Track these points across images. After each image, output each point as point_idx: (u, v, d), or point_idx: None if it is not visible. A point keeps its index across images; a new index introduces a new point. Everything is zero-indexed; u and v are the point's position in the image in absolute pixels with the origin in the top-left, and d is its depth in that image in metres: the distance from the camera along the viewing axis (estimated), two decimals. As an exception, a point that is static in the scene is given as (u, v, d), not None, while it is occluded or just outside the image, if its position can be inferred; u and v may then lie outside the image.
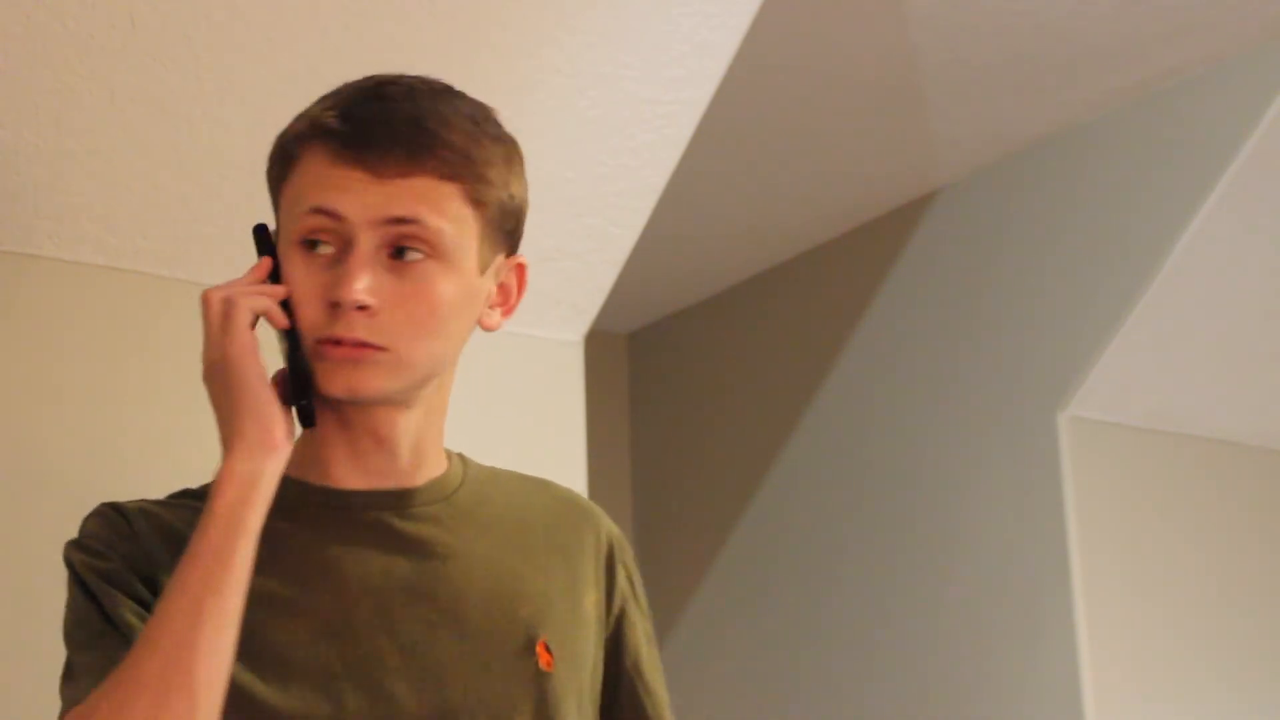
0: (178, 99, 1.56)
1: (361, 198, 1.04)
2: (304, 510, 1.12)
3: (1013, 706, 2.55)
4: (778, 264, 3.24)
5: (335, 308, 1.04)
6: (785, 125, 2.63)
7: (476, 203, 1.08)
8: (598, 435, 2.04)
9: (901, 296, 2.93)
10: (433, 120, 1.06)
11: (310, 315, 1.06)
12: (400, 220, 1.05)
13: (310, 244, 1.06)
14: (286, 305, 1.07)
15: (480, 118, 1.10)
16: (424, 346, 1.07)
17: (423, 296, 1.06)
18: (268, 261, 1.09)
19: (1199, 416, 2.74)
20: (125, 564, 1.06)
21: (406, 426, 1.13)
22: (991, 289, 2.74)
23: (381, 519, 1.12)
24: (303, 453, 1.11)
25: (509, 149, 1.12)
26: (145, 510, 1.10)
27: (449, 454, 1.20)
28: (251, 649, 1.05)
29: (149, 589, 1.05)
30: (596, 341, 2.07)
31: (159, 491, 1.15)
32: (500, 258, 1.14)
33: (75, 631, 1.06)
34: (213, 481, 1.03)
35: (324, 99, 1.10)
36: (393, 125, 1.05)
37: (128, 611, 1.04)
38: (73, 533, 1.11)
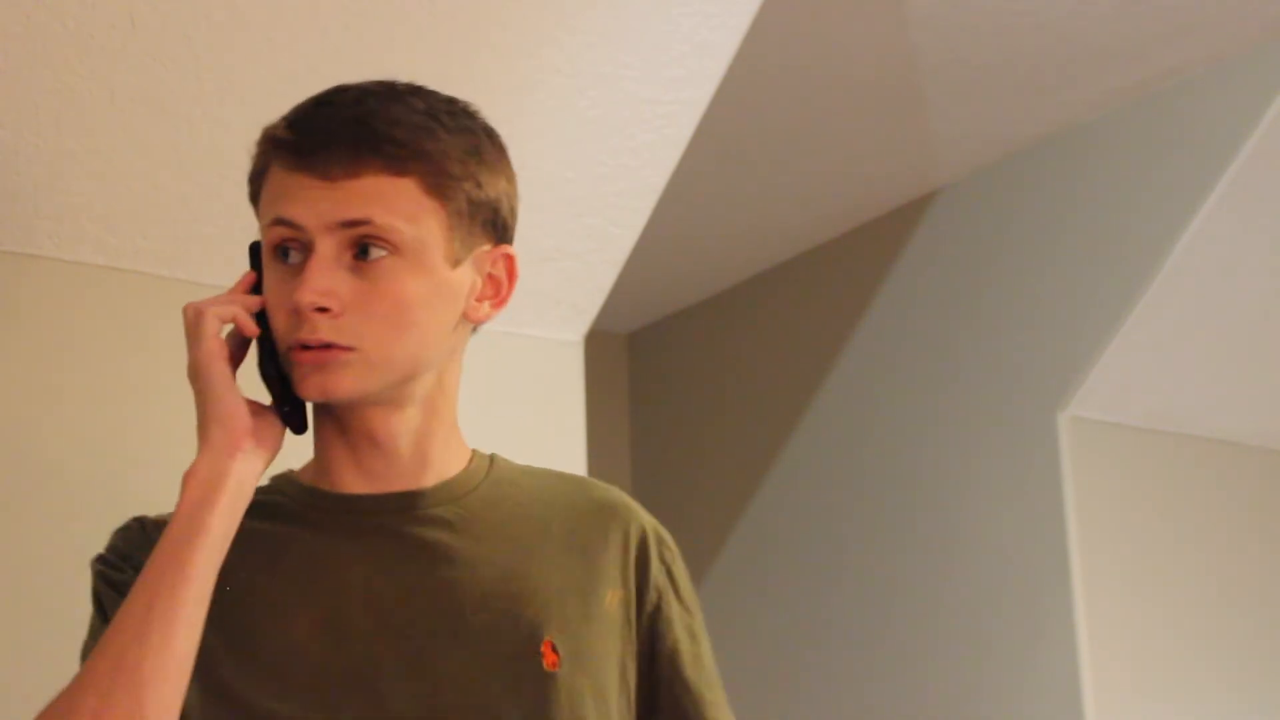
0: (178, 99, 1.56)
1: (314, 204, 1.06)
2: (311, 516, 1.13)
3: (1013, 706, 2.55)
4: (778, 264, 3.24)
5: (299, 314, 1.06)
6: (785, 125, 2.63)
7: (437, 196, 1.08)
8: (598, 435, 2.04)
9: (901, 296, 2.93)
10: (378, 119, 1.07)
11: (280, 323, 1.09)
12: (353, 223, 1.06)
13: (283, 254, 1.09)
14: (264, 317, 1.10)
15: (440, 112, 1.11)
16: (394, 343, 1.08)
17: (385, 293, 1.07)
18: (251, 275, 1.13)
19: (1199, 416, 2.74)
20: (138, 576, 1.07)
21: (402, 427, 1.13)
22: (991, 289, 2.74)
23: (386, 523, 1.13)
24: (316, 461, 1.15)
25: (475, 140, 1.12)
26: (165, 521, 1.11)
27: (476, 454, 1.20)
28: (249, 653, 1.06)
29: None
30: (596, 341, 2.07)
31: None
32: (484, 249, 1.13)
33: (88, 640, 1.09)
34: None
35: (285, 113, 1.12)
36: (337, 128, 1.07)
37: None
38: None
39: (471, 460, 1.19)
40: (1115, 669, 2.49)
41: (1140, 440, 2.68)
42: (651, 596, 1.17)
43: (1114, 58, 2.40)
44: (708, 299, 3.44)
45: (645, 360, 3.64)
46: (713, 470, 3.37)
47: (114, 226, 1.62)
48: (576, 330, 1.96)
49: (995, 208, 2.76)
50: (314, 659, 1.07)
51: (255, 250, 1.14)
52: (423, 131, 1.08)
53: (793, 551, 3.07)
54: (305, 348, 1.06)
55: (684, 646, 1.18)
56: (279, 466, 1.17)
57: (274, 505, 1.14)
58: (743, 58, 1.85)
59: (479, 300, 1.14)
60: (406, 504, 1.13)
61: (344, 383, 1.07)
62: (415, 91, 1.12)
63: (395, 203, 1.07)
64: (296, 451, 1.16)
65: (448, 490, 1.15)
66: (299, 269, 1.07)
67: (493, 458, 1.21)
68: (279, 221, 1.08)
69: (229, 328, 1.11)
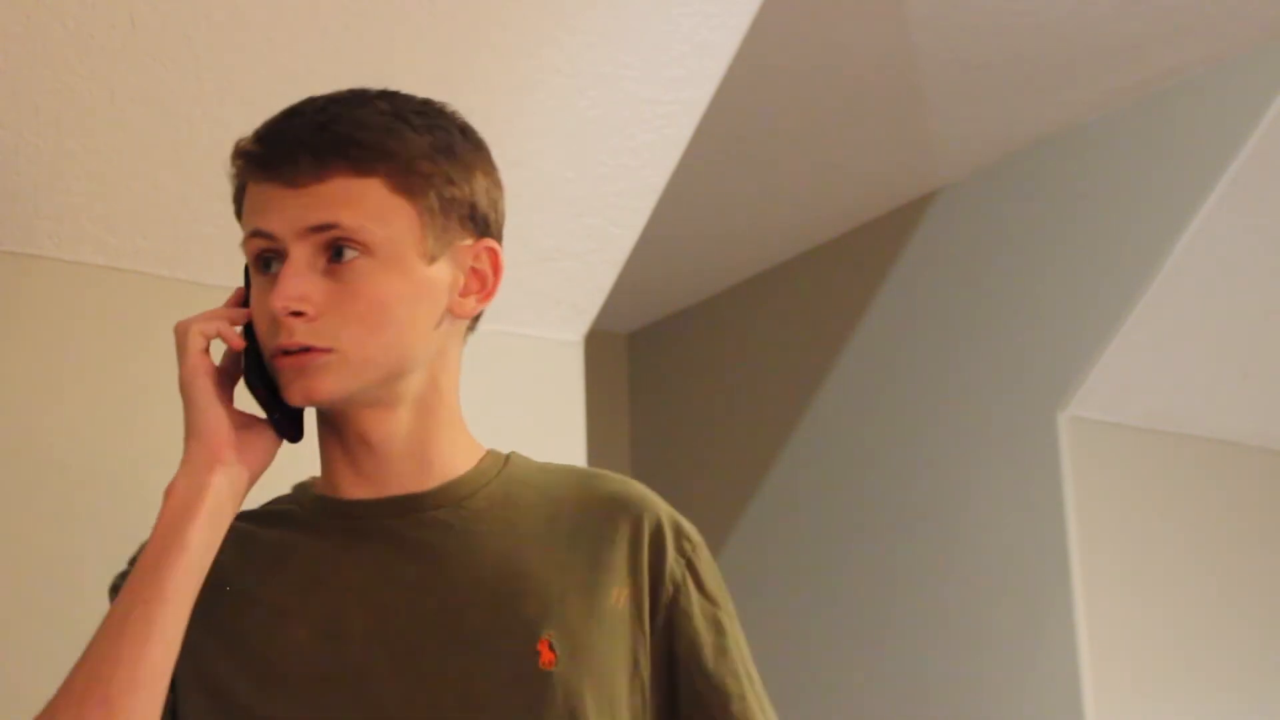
0: (178, 99, 1.56)
1: (284, 212, 1.08)
2: (316, 522, 1.15)
3: (1013, 706, 2.55)
4: (778, 264, 3.23)
5: (277, 321, 1.07)
6: (785, 125, 2.63)
7: (405, 194, 1.09)
8: (598, 435, 2.04)
9: (901, 296, 2.93)
10: (341, 123, 1.09)
11: (262, 332, 1.10)
12: (321, 227, 1.07)
13: (265, 265, 1.10)
14: (252, 329, 1.12)
15: (407, 112, 1.11)
16: (372, 342, 1.09)
17: (360, 294, 1.08)
18: (240, 290, 1.15)
19: (1199, 416, 2.74)
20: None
21: (396, 428, 1.13)
22: (991, 289, 2.74)
23: (387, 527, 1.13)
24: (321, 469, 1.17)
25: (446, 138, 1.12)
26: None
27: (490, 454, 1.19)
28: (248, 657, 1.08)
29: None
30: (596, 341, 2.07)
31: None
32: (464, 244, 1.13)
33: None
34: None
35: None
36: (304, 135, 1.08)
37: None
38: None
39: (483, 460, 1.18)
40: (1115, 669, 2.49)
41: (1140, 440, 2.68)
42: (667, 590, 1.14)
43: (1114, 58, 2.40)
44: (708, 299, 3.44)
45: (645, 360, 3.64)
46: (713, 470, 3.37)
47: (114, 226, 1.62)
48: (576, 330, 1.96)
49: (995, 208, 2.76)
50: (312, 663, 1.08)
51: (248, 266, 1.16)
52: (386, 132, 1.09)
53: (792, 551, 3.07)
54: (286, 353, 1.08)
55: (704, 639, 1.14)
56: (286, 477, 1.18)
57: (286, 514, 1.17)
58: (743, 58, 1.85)
59: (463, 295, 1.14)
60: (406, 507, 1.13)
61: (325, 384, 1.08)
62: (385, 95, 1.13)
63: (363, 204, 1.08)
64: (312, 460, 1.18)
65: (450, 492, 1.15)
66: (278, 278, 1.08)
67: (509, 457, 1.20)
68: (255, 233, 1.10)
69: (222, 342, 1.12)
